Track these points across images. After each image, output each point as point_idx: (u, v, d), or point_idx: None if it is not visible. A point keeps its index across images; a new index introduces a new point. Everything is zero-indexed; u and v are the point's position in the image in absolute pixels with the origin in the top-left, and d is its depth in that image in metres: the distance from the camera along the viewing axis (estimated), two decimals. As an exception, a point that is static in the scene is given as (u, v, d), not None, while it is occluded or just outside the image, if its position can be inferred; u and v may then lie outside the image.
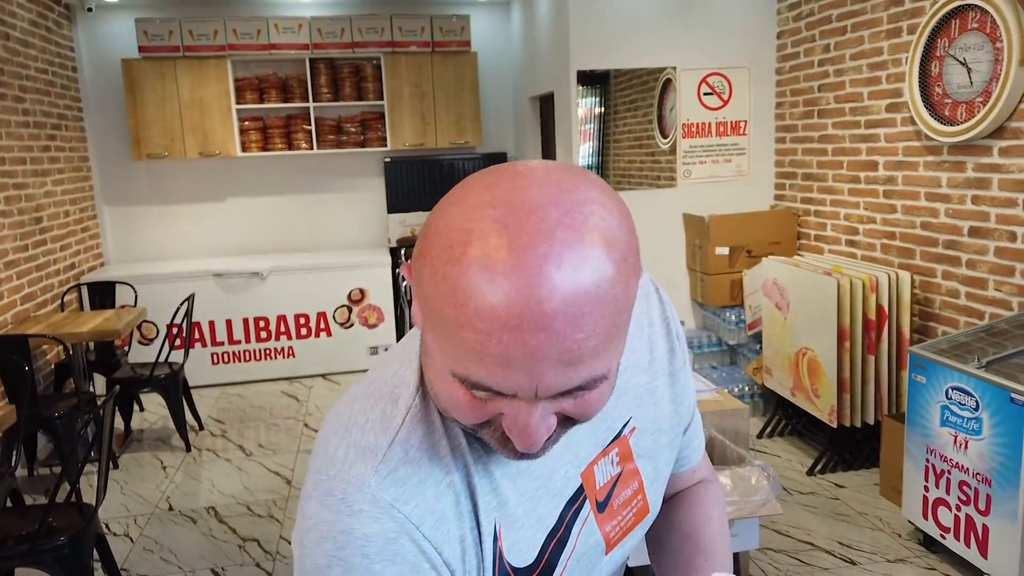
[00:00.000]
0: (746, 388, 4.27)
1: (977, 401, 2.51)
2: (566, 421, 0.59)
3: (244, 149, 5.40)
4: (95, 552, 2.57)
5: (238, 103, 5.31)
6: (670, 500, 0.88)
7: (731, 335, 4.35)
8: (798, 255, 4.25)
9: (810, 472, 3.58)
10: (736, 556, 2.43)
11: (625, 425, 0.74)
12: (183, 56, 5.15)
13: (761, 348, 4.09)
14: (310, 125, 5.46)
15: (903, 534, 3.01)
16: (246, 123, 5.39)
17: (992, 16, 2.89)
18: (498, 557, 0.65)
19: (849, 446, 3.59)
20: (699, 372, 3.66)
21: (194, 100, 5.20)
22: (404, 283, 5.43)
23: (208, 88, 5.21)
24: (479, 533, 0.65)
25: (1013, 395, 2.34)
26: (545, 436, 0.57)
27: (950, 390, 2.63)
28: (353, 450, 0.63)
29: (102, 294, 4.77)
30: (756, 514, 2.23)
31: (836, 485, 3.47)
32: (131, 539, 3.23)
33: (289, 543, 3.13)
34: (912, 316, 3.47)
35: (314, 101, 5.43)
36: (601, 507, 0.71)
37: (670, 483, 0.86)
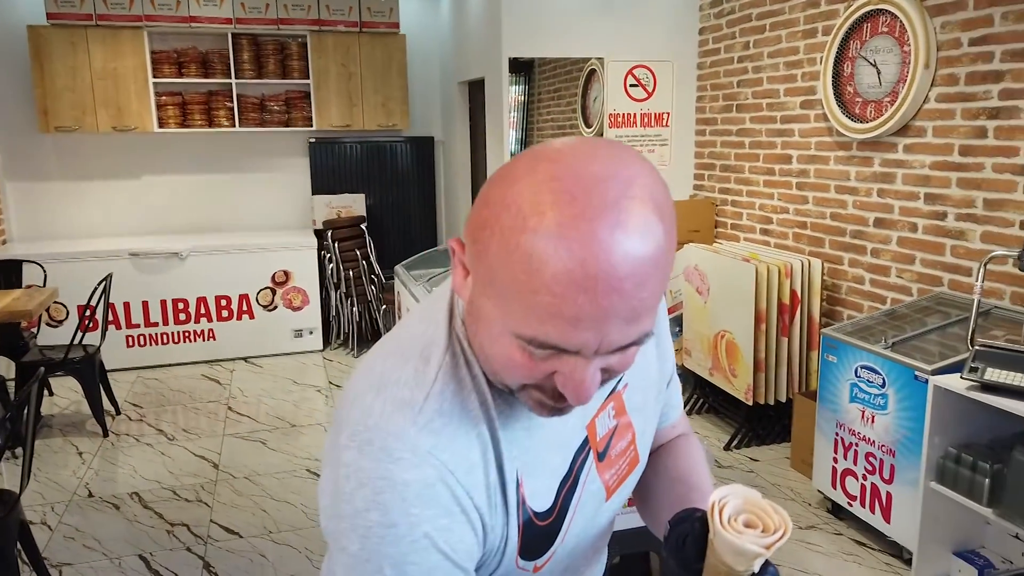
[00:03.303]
0: (667, 369, 4.45)
1: (884, 378, 2.72)
2: (603, 374, 0.64)
3: (161, 125, 5.20)
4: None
5: (155, 76, 5.11)
6: (656, 451, 0.95)
7: (653, 319, 4.51)
8: (716, 242, 4.45)
9: (727, 447, 3.79)
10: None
11: (619, 381, 0.81)
12: (96, 25, 4.90)
13: (681, 330, 4.27)
14: (232, 102, 5.31)
15: (813, 503, 3.24)
16: (163, 98, 5.19)
17: (901, 21, 3.11)
18: (521, 503, 0.71)
19: (763, 423, 3.81)
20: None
21: (107, 71, 4.97)
22: (331, 266, 5.37)
23: (123, 60, 4.99)
24: (503, 480, 0.70)
25: (917, 372, 2.56)
26: (594, 390, 0.63)
27: (859, 368, 2.84)
28: (391, 403, 0.68)
29: (7, 273, 4.52)
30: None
31: (751, 459, 3.68)
32: (49, 527, 3.12)
33: (220, 527, 3.09)
34: (821, 301, 3.71)
35: (236, 78, 5.27)
36: (601, 456, 0.79)
37: (654, 437, 0.94)
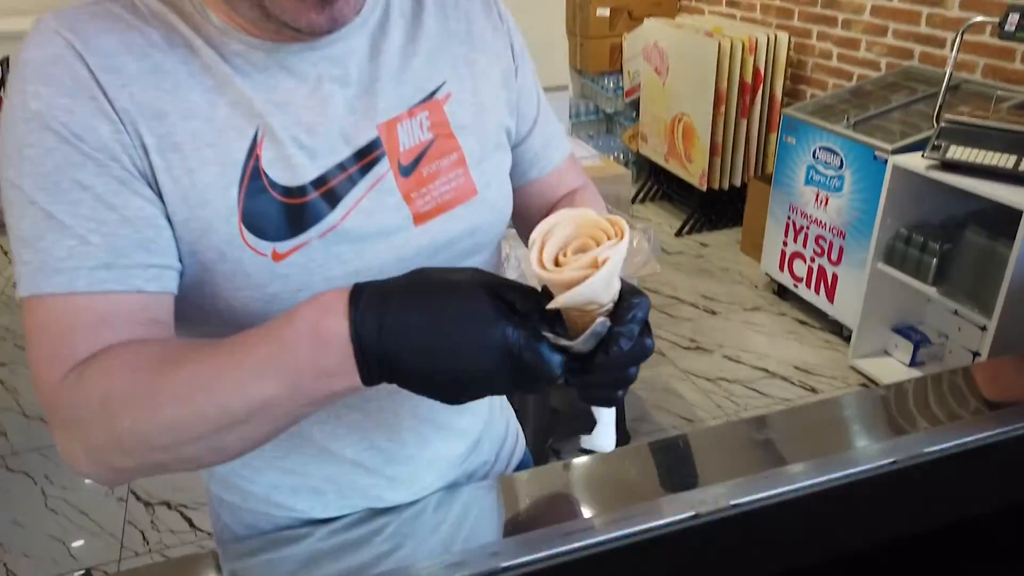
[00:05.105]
0: (621, 156, 4.32)
1: (842, 159, 2.62)
2: None
3: None
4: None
5: None
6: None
7: (609, 103, 4.30)
8: (679, 17, 4.14)
9: (678, 233, 3.76)
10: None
11: (438, 89, 0.72)
12: None
13: (638, 117, 4.08)
14: None
15: (759, 286, 3.27)
16: None
17: None
18: (252, 162, 0.64)
19: (716, 208, 3.76)
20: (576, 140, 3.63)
21: None
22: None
23: None
24: (214, 117, 0.63)
25: (876, 152, 2.46)
26: None
27: (818, 150, 2.73)
28: None
29: None
30: (637, 274, 2.31)
31: (701, 244, 3.67)
32: None
33: None
34: (785, 79, 3.51)
35: None
36: (405, 171, 0.70)
37: (542, 195, 0.85)
